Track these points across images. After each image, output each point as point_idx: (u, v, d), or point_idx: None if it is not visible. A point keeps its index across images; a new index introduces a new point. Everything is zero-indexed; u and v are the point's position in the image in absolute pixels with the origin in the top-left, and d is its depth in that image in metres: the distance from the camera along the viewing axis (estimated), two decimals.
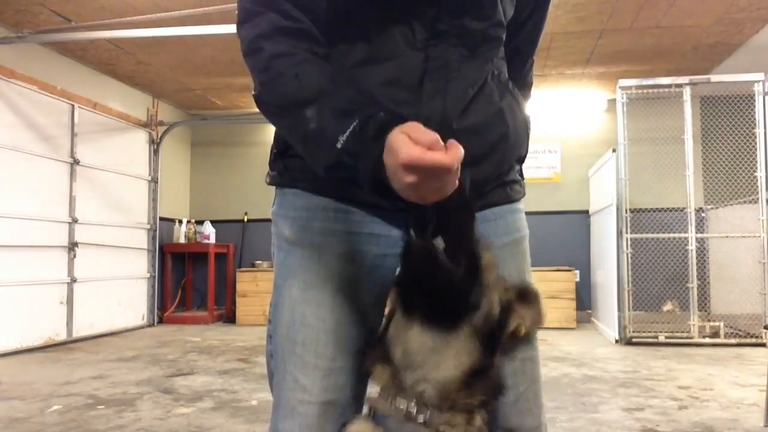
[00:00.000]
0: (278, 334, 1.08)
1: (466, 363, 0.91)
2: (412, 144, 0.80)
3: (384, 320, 0.98)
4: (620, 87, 5.89)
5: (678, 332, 5.85)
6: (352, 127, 0.87)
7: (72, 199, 6.12)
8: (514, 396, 1.10)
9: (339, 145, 0.87)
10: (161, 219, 7.62)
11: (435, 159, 0.79)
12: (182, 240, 7.86)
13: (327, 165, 0.91)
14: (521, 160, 1.21)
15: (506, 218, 1.15)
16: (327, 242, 1.05)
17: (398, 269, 0.97)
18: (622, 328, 5.79)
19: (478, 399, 0.93)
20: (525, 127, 1.17)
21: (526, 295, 1.01)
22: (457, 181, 0.84)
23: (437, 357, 0.90)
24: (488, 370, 0.94)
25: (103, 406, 3.49)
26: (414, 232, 0.89)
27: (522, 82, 1.25)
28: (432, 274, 0.87)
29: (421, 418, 0.89)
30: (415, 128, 0.83)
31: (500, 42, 1.12)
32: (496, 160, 1.10)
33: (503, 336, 0.98)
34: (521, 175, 1.23)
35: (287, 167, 1.11)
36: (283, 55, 0.96)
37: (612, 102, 7.17)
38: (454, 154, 0.81)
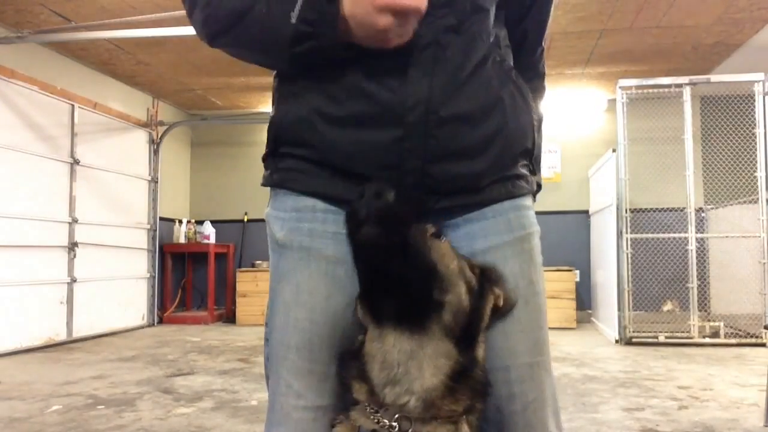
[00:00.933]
0: (273, 338, 1.07)
1: (446, 366, 0.89)
2: None
3: (358, 338, 0.96)
4: (620, 87, 5.89)
5: (678, 332, 5.85)
6: (300, 1, 0.92)
7: (72, 199, 6.12)
8: (522, 405, 1.03)
9: (293, 20, 0.92)
10: (161, 219, 7.62)
11: (410, 1, 0.88)
12: (182, 240, 7.86)
13: (290, 41, 0.94)
14: (527, 153, 1.13)
15: (507, 215, 1.08)
16: (316, 244, 1.03)
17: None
18: (622, 328, 5.79)
19: (462, 404, 0.90)
20: (530, 118, 1.11)
21: (490, 275, 1.01)
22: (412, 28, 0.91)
23: (416, 363, 0.88)
24: (471, 369, 0.92)
25: (103, 406, 3.49)
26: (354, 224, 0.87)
27: (533, 72, 1.21)
28: (385, 269, 0.86)
29: None
30: None
31: (488, 14, 1.05)
32: (492, 155, 1.03)
33: (482, 321, 0.96)
34: (532, 169, 1.16)
35: (277, 167, 1.08)
36: None
37: (612, 102, 7.17)
38: None
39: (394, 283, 0.87)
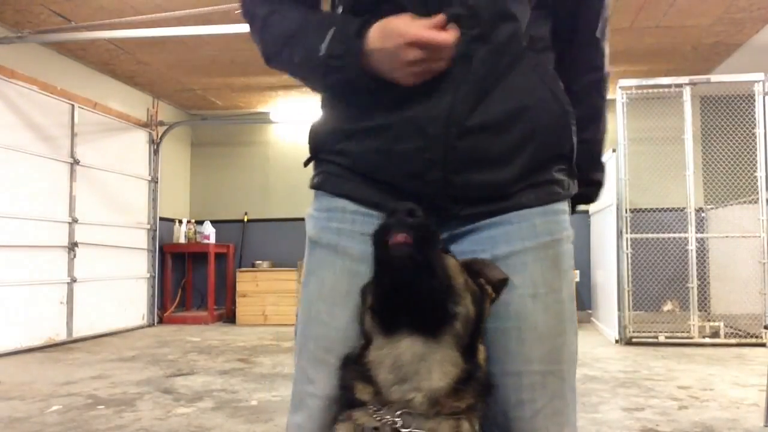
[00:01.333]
0: (298, 329, 1.12)
1: (452, 372, 0.92)
2: (416, 24, 0.93)
3: (359, 346, 0.98)
4: (620, 87, 5.89)
5: (678, 332, 5.85)
6: (331, 34, 0.98)
7: (72, 199, 6.12)
8: (531, 411, 1.03)
9: (321, 53, 0.99)
10: (161, 219, 7.62)
11: (439, 36, 0.92)
12: (182, 240, 7.86)
13: (321, 75, 1.02)
14: (563, 158, 1.09)
15: (532, 221, 1.05)
16: (343, 242, 1.07)
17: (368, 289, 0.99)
18: (622, 328, 5.79)
19: (466, 402, 0.93)
20: (566, 123, 1.08)
21: (474, 266, 1.02)
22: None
23: (426, 365, 0.91)
24: (475, 373, 0.95)
25: (103, 406, 3.49)
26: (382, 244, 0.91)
27: (586, 66, 1.18)
28: (412, 283, 0.90)
29: (406, 430, 0.89)
30: (410, 16, 0.95)
31: (517, 20, 1.02)
32: (520, 162, 1.03)
33: (482, 325, 0.99)
34: (570, 173, 1.12)
35: (318, 171, 1.14)
36: (273, 13, 1.08)
37: (612, 102, 7.15)
38: (454, 33, 0.93)
39: (415, 298, 0.91)
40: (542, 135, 1.04)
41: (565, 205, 1.11)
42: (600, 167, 1.23)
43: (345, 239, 1.07)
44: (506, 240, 1.05)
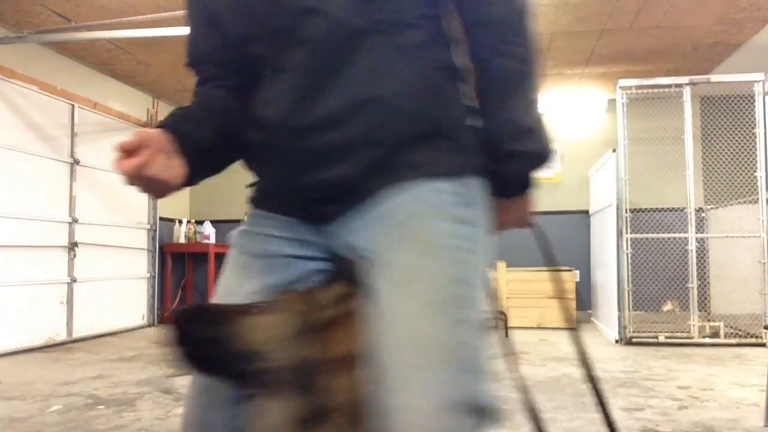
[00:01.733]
0: None
1: (293, 415, 0.92)
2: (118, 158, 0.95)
3: None
4: (620, 87, 5.89)
5: (678, 332, 5.86)
6: None
7: (72, 199, 6.12)
8: (399, 420, 0.89)
9: None
10: (161, 219, 7.62)
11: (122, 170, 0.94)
12: (182, 240, 7.86)
13: None
14: (430, 134, 0.98)
15: (385, 206, 0.97)
16: (245, 242, 1.15)
17: None
18: (622, 328, 5.79)
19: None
20: (427, 97, 0.98)
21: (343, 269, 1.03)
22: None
23: (269, 420, 0.93)
24: (326, 403, 0.92)
25: (103, 406, 3.49)
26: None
27: (476, 16, 1.02)
28: (212, 367, 0.97)
29: None
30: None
31: (323, 14, 0.96)
32: (366, 154, 0.97)
33: (326, 354, 0.95)
34: (449, 151, 0.99)
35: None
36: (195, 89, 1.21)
37: (612, 102, 7.17)
38: (128, 162, 0.94)
39: (226, 374, 0.98)
40: (392, 122, 0.96)
41: (438, 184, 0.97)
42: (517, 134, 1.03)
43: (249, 239, 1.15)
44: (355, 229, 1.00)
